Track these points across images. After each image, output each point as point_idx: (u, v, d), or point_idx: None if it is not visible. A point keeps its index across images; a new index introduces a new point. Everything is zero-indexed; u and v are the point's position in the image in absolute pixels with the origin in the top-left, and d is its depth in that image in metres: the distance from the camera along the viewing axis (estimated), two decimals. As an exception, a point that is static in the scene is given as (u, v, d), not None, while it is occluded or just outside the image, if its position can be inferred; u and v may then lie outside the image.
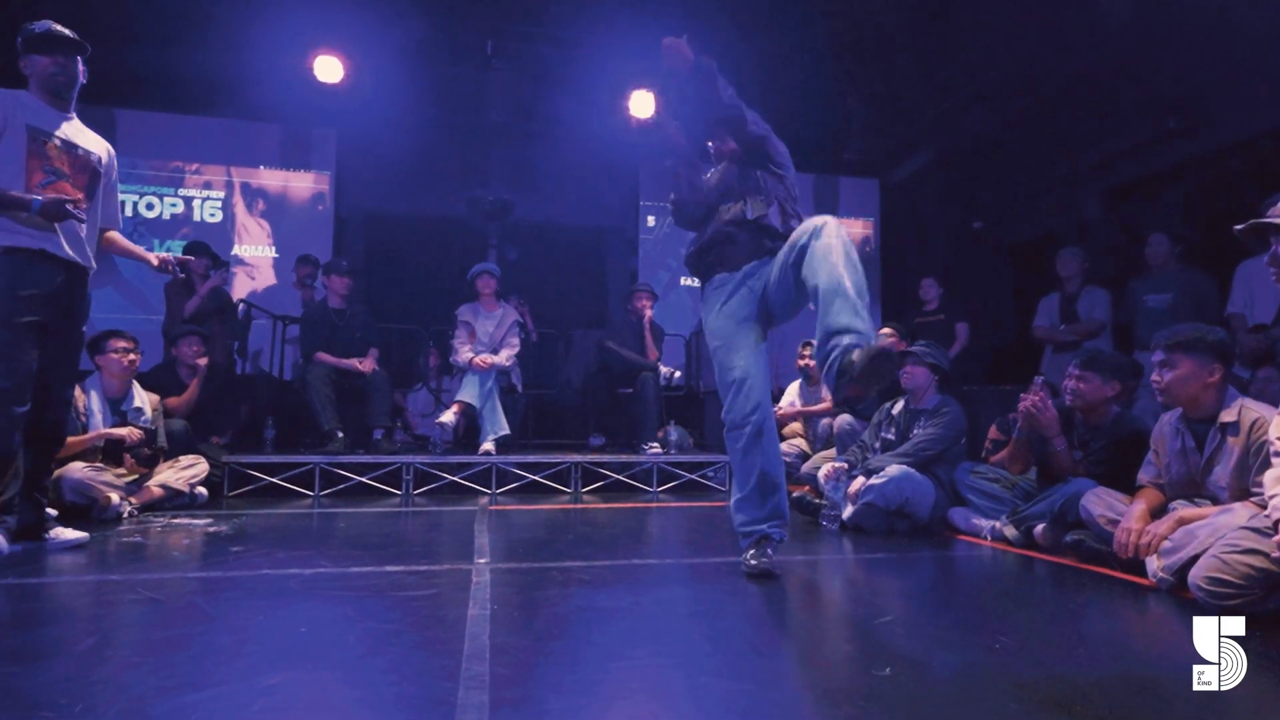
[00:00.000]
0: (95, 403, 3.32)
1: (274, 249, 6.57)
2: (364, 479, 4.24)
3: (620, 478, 4.56)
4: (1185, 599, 1.96)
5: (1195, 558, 1.92)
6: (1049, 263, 4.88)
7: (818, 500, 3.22)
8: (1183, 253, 4.21)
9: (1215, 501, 2.19)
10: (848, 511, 3.08)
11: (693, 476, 4.64)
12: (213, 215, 6.48)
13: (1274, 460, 1.86)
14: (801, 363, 4.32)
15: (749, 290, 2.31)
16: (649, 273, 6.95)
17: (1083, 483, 2.58)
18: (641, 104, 6.46)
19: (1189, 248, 4.21)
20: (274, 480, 4.15)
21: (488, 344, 4.78)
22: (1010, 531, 2.76)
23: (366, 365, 4.55)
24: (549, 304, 6.49)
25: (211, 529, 3.04)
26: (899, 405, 3.36)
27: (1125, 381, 3.33)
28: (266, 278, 6.53)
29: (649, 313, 5.06)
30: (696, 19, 5.78)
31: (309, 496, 4.10)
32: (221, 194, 6.51)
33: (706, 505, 3.99)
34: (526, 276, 6.42)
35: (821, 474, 3.36)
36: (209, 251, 4.81)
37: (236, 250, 6.45)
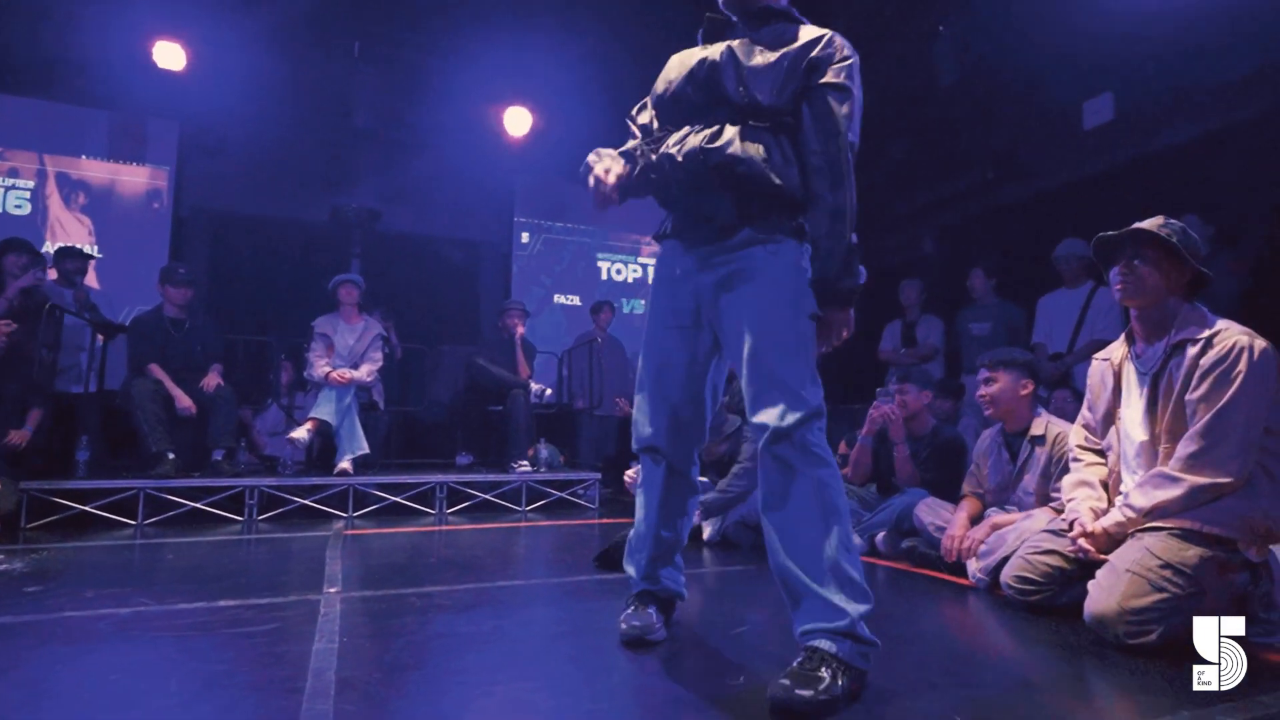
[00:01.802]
0: None
1: (96, 248, 5.87)
2: (199, 505, 3.85)
3: (488, 497, 4.45)
4: (999, 596, 2.20)
5: (1006, 559, 2.16)
6: (893, 293, 5.35)
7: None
8: (997, 286, 4.77)
9: (1023, 507, 2.48)
10: (707, 531, 3.19)
11: (562, 495, 4.61)
12: (18, 206, 5.70)
13: (1071, 466, 2.14)
14: None
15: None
16: (522, 289, 6.88)
17: (916, 493, 2.83)
18: (517, 120, 6.42)
19: (1001, 282, 4.77)
20: (86, 509, 3.67)
21: (347, 358, 4.52)
22: (857, 540, 2.96)
23: (209, 382, 4.14)
24: (417, 318, 6.25)
25: (2, 567, 2.64)
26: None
27: (938, 393, 3.72)
28: (87, 278, 5.81)
29: (520, 330, 5.00)
30: (572, 35, 5.86)
31: (130, 526, 3.67)
32: (31, 183, 5.74)
33: (576, 523, 3.97)
34: (394, 290, 6.15)
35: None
36: (28, 248, 4.20)
37: (48, 247, 5.70)
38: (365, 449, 4.34)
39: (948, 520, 2.58)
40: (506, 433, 4.67)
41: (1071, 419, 2.65)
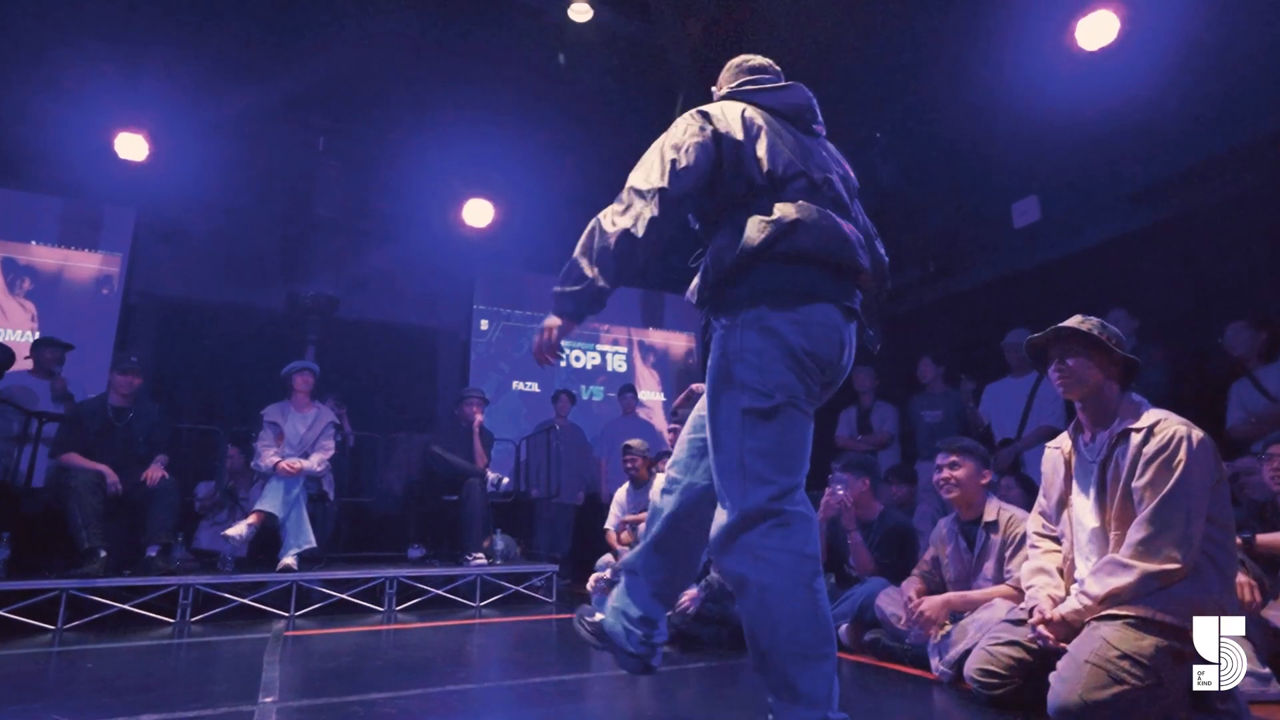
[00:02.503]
0: None
1: (37, 333, 5.68)
2: (127, 606, 3.59)
3: (440, 593, 4.26)
4: (964, 690, 2.17)
5: (968, 651, 2.15)
6: (847, 379, 5.49)
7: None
8: (945, 374, 4.94)
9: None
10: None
11: (518, 588, 4.45)
12: (-41, 292, 5.52)
13: (1030, 553, 2.17)
14: (628, 465, 4.38)
15: None
16: (481, 376, 6.84)
17: (876, 583, 2.82)
18: (477, 211, 6.58)
19: (949, 369, 4.96)
20: (1, 613, 3.38)
21: (298, 447, 4.38)
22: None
23: (152, 474, 3.94)
24: (373, 406, 6.14)
25: (-104, 683, 2.40)
26: None
27: (890, 479, 3.78)
28: (20, 364, 5.59)
29: (479, 418, 4.95)
30: (532, 129, 6.12)
31: (48, 631, 3.39)
32: (-26, 268, 5.59)
33: (532, 619, 3.82)
34: (350, 377, 6.05)
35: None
36: None
37: (-10, 335, 5.50)
38: (312, 543, 4.15)
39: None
40: (461, 523, 4.53)
41: (1018, 505, 2.72)
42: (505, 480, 4.92)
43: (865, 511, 3.20)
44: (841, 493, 3.11)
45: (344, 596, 4.03)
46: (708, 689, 2.46)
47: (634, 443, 4.40)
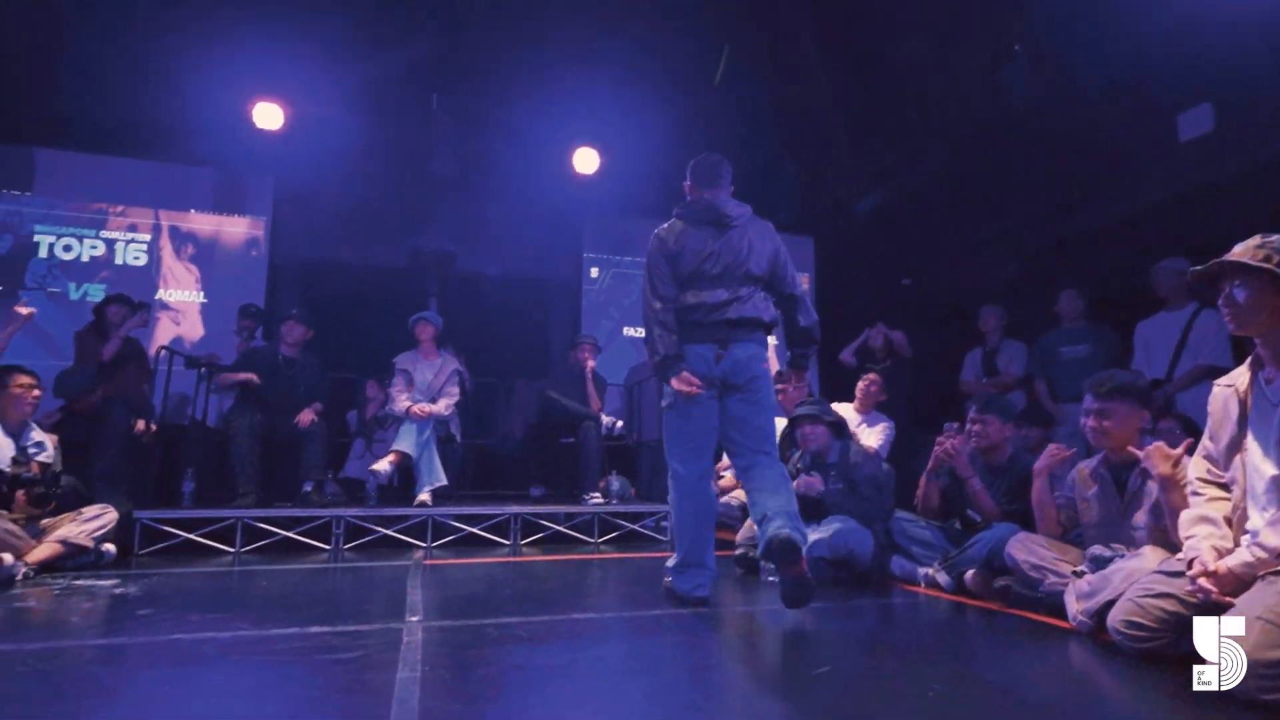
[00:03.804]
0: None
1: (202, 294, 6.33)
2: (290, 534, 4.04)
3: (561, 529, 4.48)
4: (1104, 641, 2.04)
5: (1112, 601, 2.01)
6: (972, 319, 5.15)
7: (756, 555, 3.22)
8: (1088, 309, 4.51)
9: (1133, 545, 2.30)
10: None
11: (634, 527, 4.60)
12: (136, 258, 6.22)
13: (1191, 500, 1.98)
14: None
15: None
16: (592, 323, 6.98)
17: (1007, 528, 2.68)
18: (585, 160, 6.61)
19: (1094, 304, 4.52)
20: (191, 536, 3.90)
21: (426, 392, 4.68)
22: (942, 578, 2.83)
23: (304, 418, 4.38)
24: (491, 354, 6.42)
25: (118, 590, 2.83)
26: (803, 459, 3.44)
27: (1024, 422, 3.55)
28: (193, 322, 6.27)
29: (591, 363, 5.07)
30: (636, 79, 6.02)
31: (230, 554, 3.87)
32: (147, 237, 6.27)
33: (647, 556, 3.94)
34: (469, 326, 6.35)
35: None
36: (127, 300, 4.60)
37: (161, 295, 6.19)
38: (443, 481, 4.45)
39: (1045, 558, 2.42)
40: (578, 465, 4.71)
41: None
42: (619, 424, 5.04)
43: (995, 455, 3.03)
44: (949, 441, 2.99)
45: (473, 530, 4.33)
46: (830, 627, 2.46)
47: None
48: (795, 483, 3.25)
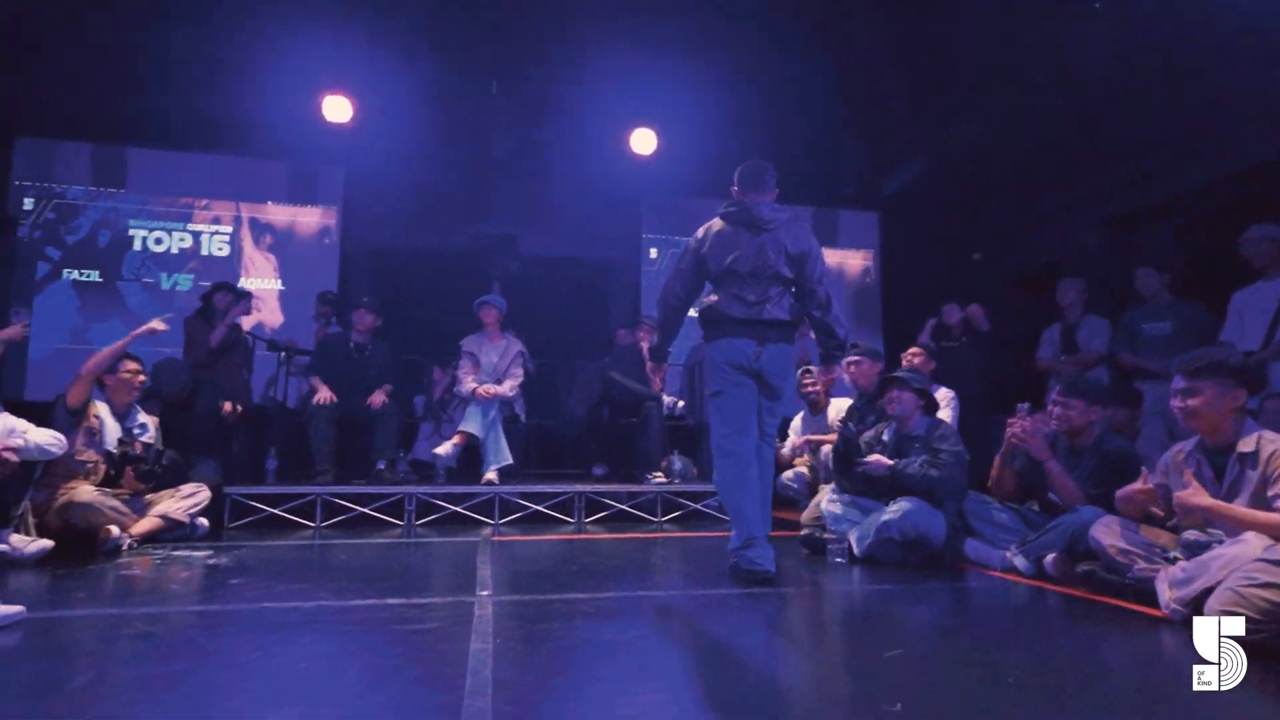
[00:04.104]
0: (105, 414, 3.40)
1: (280, 282, 6.62)
2: (366, 510, 4.21)
3: (624, 507, 4.52)
4: (1201, 631, 1.92)
5: (1209, 590, 1.89)
6: (1049, 294, 4.89)
7: (824, 535, 3.18)
8: (1172, 283, 4.23)
9: (1230, 534, 2.16)
10: (861, 544, 3.04)
11: (697, 506, 4.60)
12: (220, 249, 6.55)
13: None
14: (805, 390, 4.29)
15: None
16: (652, 304, 6.97)
17: (1090, 511, 2.55)
18: (643, 140, 6.57)
19: (1178, 279, 4.23)
20: (275, 511, 4.12)
21: (491, 374, 4.78)
22: (1020, 562, 2.72)
23: (376, 400, 4.55)
24: (551, 335, 6.50)
25: (211, 561, 3.01)
26: (889, 431, 3.34)
27: (1111, 402, 3.36)
28: (272, 310, 6.57)
29: (646, 344, 5.08)
30: (694, 58, 5.94)
31: (310, 528, 4.07)
32: (229, 228, 6.59)
33: (710, 535, 3.94)
34: (530, 308, 6.44)
35: (825, 506, 3.32)
36: (231, 289, 4.86)
37: (243, 282, 6.50)
38: (509, 460, 4.56)
39: (1134, 543, 2.30)
40: (640, 444, 4.74)
41: (1286, 429, 2.29)
42: (680, 404, 5.03)
43: (1080, 438, 2.88)
44: (1021, 423, 2.89)
45: (539, 508, 4.42)
46: (901, 610, 2.41)
47: (814, 368, 4.30)
48: (865, 461, 3.17)
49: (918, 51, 5.86)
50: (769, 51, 5.98)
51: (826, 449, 3.68)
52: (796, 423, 4.42)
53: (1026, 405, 2.99)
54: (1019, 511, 3.01)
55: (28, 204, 6.12)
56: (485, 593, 2.42)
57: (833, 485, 3.40)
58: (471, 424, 4.52)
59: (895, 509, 2.99)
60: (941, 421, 3.27)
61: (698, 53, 5.96)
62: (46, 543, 2.88)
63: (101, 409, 3.39)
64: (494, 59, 6.16)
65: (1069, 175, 5.87)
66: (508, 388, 4.72)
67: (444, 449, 4.47)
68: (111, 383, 3.45)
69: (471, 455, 4.70)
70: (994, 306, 5.22)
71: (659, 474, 4.65)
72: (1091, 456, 2.81)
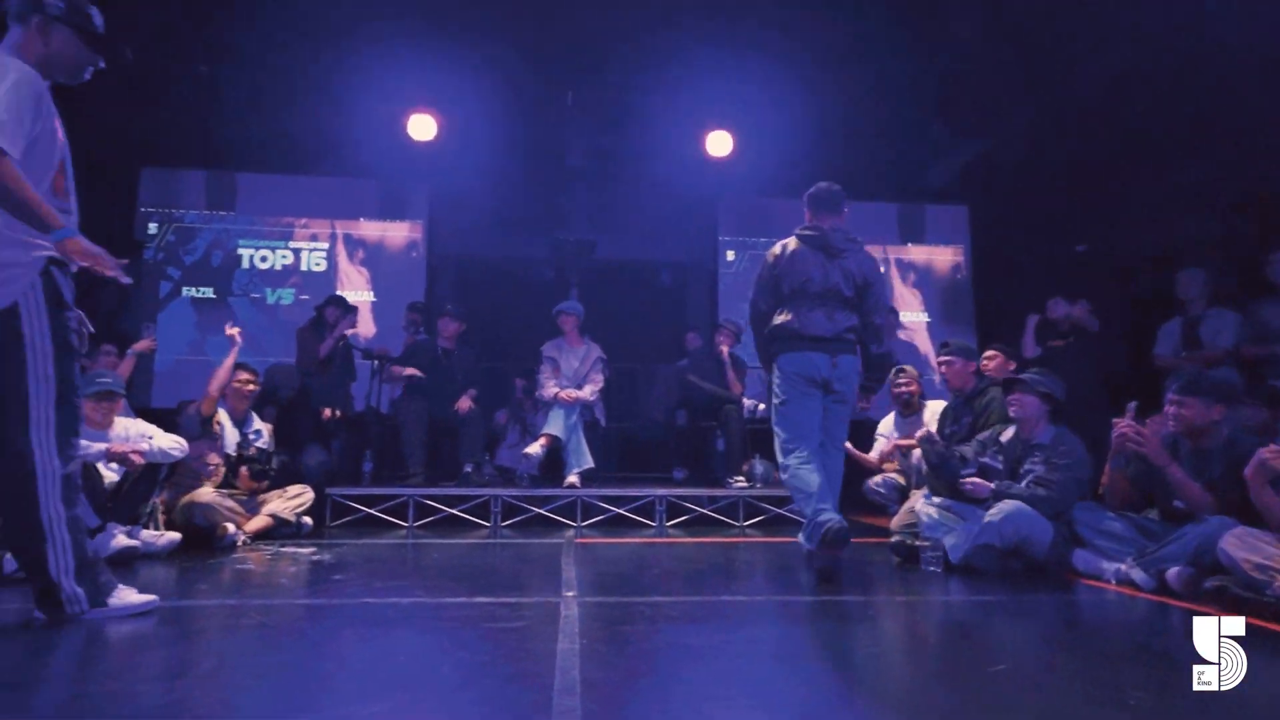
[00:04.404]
0: (226, 421, 3.74)
1: (372, 293, 6.96)
2: (454, 511, 4.35)
3: (706, 512, 4.49)
4: (1358, 655, 1.72)
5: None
6: (1166, 284, 4.53)
7: (917, 542, 3.04)
8: None
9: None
10: (957, 551, 2.89)
11: (780, 511, 4.51)
12: (318, 265, 6.95)
13: None
14: (898, 390, 4.13)
15: None
16: (730, 306, 6.91)
17: (1220, 522, 2.34)
18: (718, 142, 6.53)
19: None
20: (371, 511, 4.32)
21: (572, 379, 4.86)
22: (1138, 575, 2.52)
23: (463, 405, 4.71)
24: (629, 339, 6.54)
25: (315, 558, 3.18)
26: (1008, 432, 3.15)
27: (1244, 401, 3.06)
28: (365, 320, 6.90)
29: (726, 348, 5.04)
30: (768, 57, 5.85)
31: (403, 527, 4.24)
32: (326, 245, 6.98)
33: (793, 541, 3.85)
34: (607, 313, 6.51)
35: (919, 509, 3.18)
36: (341, 302, 5.17)
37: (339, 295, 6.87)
38: (591, 463, 4.61)
39: (1270, 555, 2.08)
40: (721, 448, 4.70)
41: None
42: (761, 407, 4.96)
43: (1205, 439, 2.64)
44: (1126, 424, 2.67)
45: (621, 511, 4.44)
46: (1002, 622, 2.28)
47: (908, 368, 4.15)
48: (965, 482, 3.01)
49: (1009, 26, 5.54)
50: (848, 44, 5.81)
51: (918, 453, 3.53)
52: (886, 426, 4.27)
53: (1134, 405, 2.76)
54: (1135, 521, 2.79)
55: (152, 228, 6.68)
56: (570, 594, 2.45)
57: (925, 489, 3.26)
58: (554, 427, 4.60)
59: (996, 510, 2.83)
60: (1067, 432, 3.03)
61: (773, 51, 5.87)
62: (175, 536, 3.14)
63: (222, 416, 3.68)
64: (570, 70, 6.27)
65: (1186, 154, 5.41)
66: (588, 392, 4.78)
67: (530, 450, 4.57)
68: (229, 392, 3.73)
69: (553, 459, 4.79)
70: (1101, 301, 4.87)
71: (740, 478, 4.60)
72: (1220, 460, 2.57)
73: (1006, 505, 2.82)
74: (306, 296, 6.62)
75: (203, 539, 3.31)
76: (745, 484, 4.57)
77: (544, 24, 5.79)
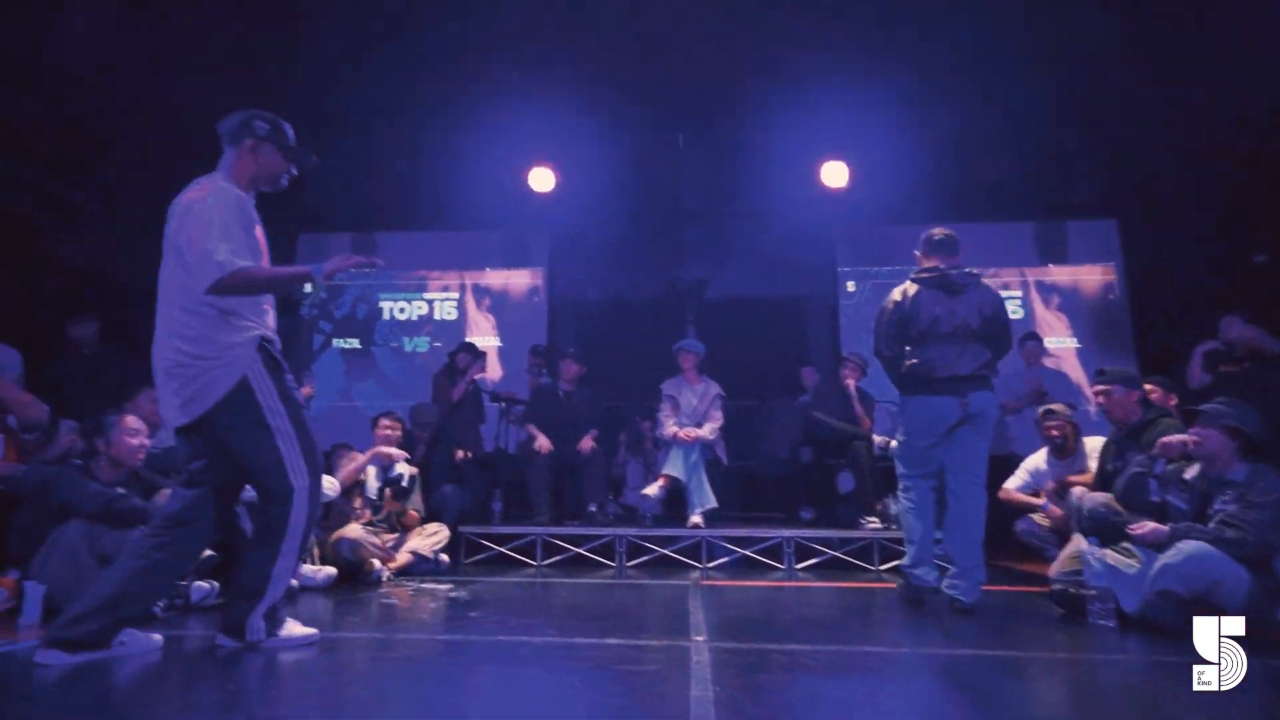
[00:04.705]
0: (370, 468, 3.99)
1: (498, 339, 7.32)
2: (580, 550, 4.40)
3: (838, 554, 4.28)
4: None
5: None
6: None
7: (1082, 590, 2.73)
8: None
9: None
10: (1132, 600, 2.56)
11: (918, 556, 4.21)
12: (449, 314, 7.41)
13: None
14: (1048, 433, 3.77)
15: None
16: (853, 338, 6.67)
17: None
18: (834, 173, 6.42)
19: None
20: (502, 550, 4.45)
21: (691, 417, 4.83)
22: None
23: (585, 445, 4.80)
24: (747, 376, 6.44)
25: (452, 594, 3.31)
26: (1192, 469, 2.78)
27: None
28: (492, 364, 7.25)
29: (852, 382, 4.84)
30: (883, 85, 5.72)
31: (532, 566, 4.34)
32: (456, 295, 7.44)
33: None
34: (725, 350, 6.47)
35: (1084, 551, 2.85)
36: (472, 349, 5.49)
37: (469, 342, 7.28)
38: (713, 503, 4.54)
39: None
40: (850, 487, 4.48)
41: None
42: (894, 443, 4.68)
43: None
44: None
45: (747, 553, 4.32)
46: (1170, 680, 1.98)
47: (1058, 407, 3.79)
48: (1136, 529, 2.67)
49: (1160, 20, 5.08)
50: (965, 62, 5.58)
51: (1079, 490, 3.21)
52: (1035, 462, 3.91)
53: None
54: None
55: (307, 287, 7.23)
56: (700, 638, 2.39)
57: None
58: (674, 467, 4.58)
59: (1174, 551, 2.48)
60: (1267, 470, 2.61)
61: (886, 77, 5.75)
62: (332, 570, 3.38)
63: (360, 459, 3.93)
64: (681, 113, 6.42)
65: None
66: (708, 430, 4.74)
67: (651, 490, 4.56)
68: (377, 438, 4.01)
69: (674, 498, 4.76)
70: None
71: (874, 519, 4.35)
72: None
73: (1187, 545, 2.47)
74: (439, 344, 7.05)
75: (351, 573, 3.53)
76: (879, 525, 4.33)
77: (654, 71, 5.98)
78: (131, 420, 2.95)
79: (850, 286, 6.95)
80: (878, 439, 4.69)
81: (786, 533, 4.29)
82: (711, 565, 4.29)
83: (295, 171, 2.43)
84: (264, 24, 5.14)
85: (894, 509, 4.37)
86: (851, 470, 4.48)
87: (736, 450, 5.52)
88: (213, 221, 2.08)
